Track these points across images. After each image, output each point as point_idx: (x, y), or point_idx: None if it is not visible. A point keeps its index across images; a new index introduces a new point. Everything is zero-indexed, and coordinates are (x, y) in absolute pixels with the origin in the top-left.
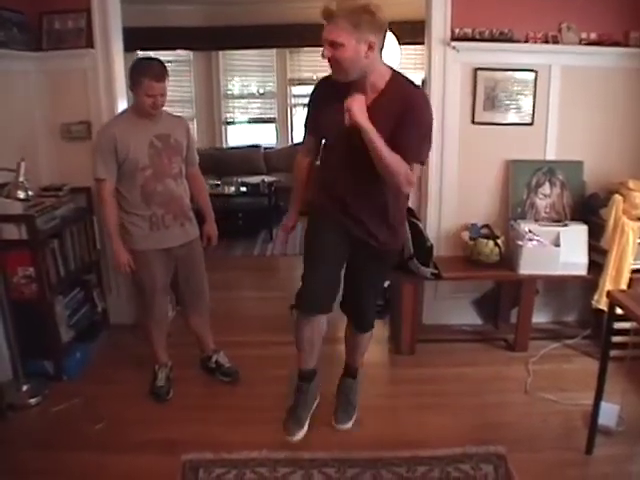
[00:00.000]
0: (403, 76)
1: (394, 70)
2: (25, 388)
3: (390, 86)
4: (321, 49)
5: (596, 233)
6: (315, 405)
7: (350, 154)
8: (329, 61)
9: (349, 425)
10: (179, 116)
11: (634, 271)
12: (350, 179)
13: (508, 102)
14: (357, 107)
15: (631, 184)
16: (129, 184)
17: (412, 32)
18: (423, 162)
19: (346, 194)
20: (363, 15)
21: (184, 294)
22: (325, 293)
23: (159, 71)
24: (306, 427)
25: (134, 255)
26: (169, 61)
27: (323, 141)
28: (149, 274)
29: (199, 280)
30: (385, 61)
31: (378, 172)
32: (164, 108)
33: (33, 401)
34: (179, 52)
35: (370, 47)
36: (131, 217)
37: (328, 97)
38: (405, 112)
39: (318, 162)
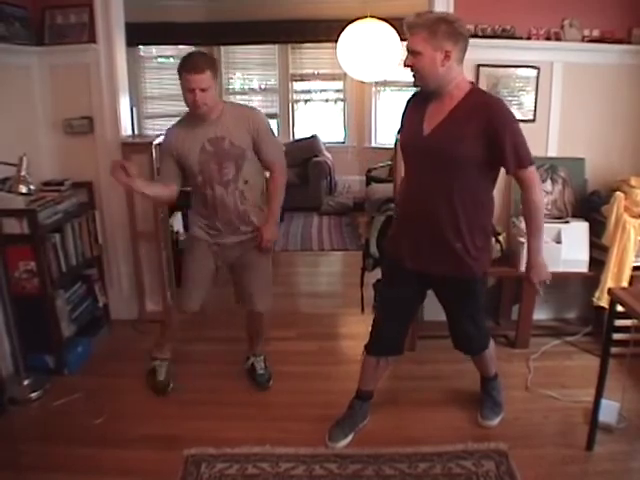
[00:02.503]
0: (483, 90)
1: (474, 85)
2: (26, 382)
3: (468, 97)
4: (323, 45)
5: (597, 230)
6: (364, 423)
7: (424, 167)
8: (411, 69)
9: (495, 422)
10: (248, 110)
11: (635, 268)
12: (420, 192)
13: (510, 99)
14: None
15: (633, 181)
16: (191, 187)
17: None
18: (532, 161)
19: (415, 210)
20: (441, 25)
21: (239, 292)
22: (394, 341)
23: (193, 62)
24: (349, 438)
25: (187, 239)
26: (171, 56)
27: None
28: (189, 259)
29: (250, 282)
30: (467, 77)
31: (450, 188)
32: (235, 102)
33: (34, 395)
34: (181, 47)
35: (446, 56)
36: (194, 215)
37: (414, 108)
38: (491, 122)
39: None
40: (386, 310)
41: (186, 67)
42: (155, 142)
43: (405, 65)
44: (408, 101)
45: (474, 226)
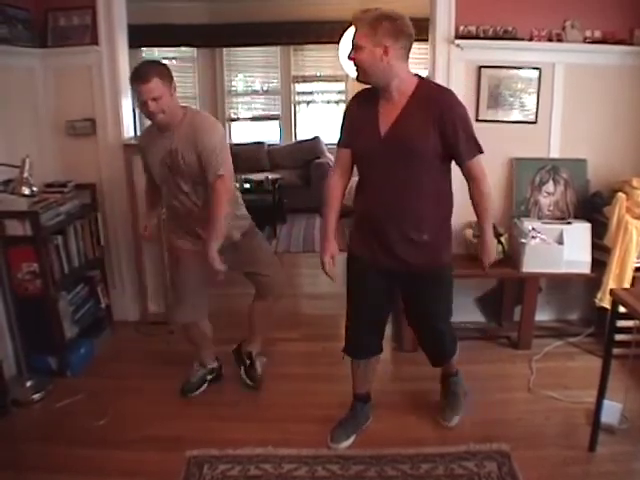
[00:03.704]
0: (431, 81)
1: (421, 77)
2: (29, 384)
3: (419, 90)
4: (324, 46)
5: (599, 231)
6: (366, 425)
7: (386, 167)
8: (354, 62)
9: (456, 421)
10: (200, 128)
11: (637, 269)
12: (385, 192)
13: (512, 100)
14: None
15: (635, 182)
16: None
17: (416, 30)
18: (482, 150)
19: (382, 211)
20: (383, 22)
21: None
22: (370, 339)
23: (139, 72)
24: (351, 440)
25: (170, 251)
26: (173, 58)
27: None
28: (177, 272)
29: (249, 261)
30: (412, 70)
31: (416, 184)
32: (199, 112)
33: (37, 397)
34: (183, 49)
35: (385, 51)
36: (169, 222)
37: (362, 110)
38: (444, 112)
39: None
40: (354, 309)
41: (133, 78)
42: None
43: (348, 58)
44: (348, 107)
45: (440, 217)
